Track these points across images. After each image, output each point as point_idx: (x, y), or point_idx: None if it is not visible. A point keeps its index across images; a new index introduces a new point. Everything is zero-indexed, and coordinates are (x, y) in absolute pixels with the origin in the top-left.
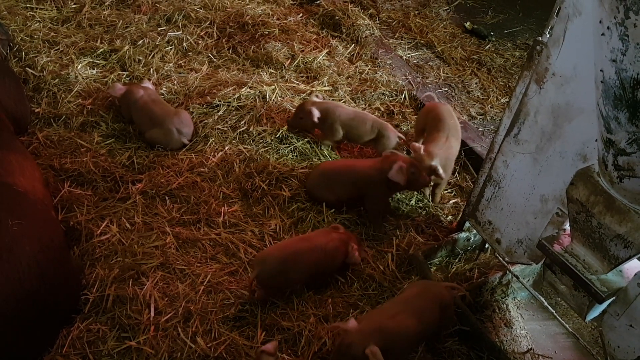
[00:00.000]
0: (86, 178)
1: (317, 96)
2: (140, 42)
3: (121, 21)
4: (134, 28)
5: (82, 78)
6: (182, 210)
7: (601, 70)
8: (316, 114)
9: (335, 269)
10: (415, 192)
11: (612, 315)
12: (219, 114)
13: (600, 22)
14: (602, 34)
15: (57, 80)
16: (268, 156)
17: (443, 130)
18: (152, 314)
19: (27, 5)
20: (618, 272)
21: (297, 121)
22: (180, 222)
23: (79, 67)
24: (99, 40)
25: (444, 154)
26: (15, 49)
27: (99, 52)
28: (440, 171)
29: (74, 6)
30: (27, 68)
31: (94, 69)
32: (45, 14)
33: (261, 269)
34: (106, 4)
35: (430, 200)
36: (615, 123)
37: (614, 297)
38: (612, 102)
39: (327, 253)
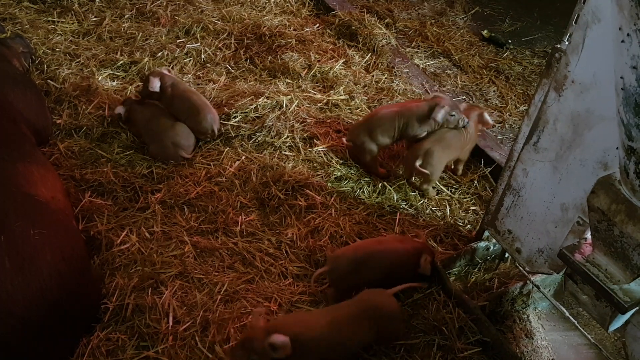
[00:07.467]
0: (106, 188)
1: (168, 70)
2: (159, 54)
3: (141, 34)
4: (153, 40)
5: (103, 90)
6: (200, 219)
7: (621, 78)
8: (156, 83)
9: (406, 277)
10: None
11: (635, 325)
12: (235, 123)
13: (620, 29)
14: (622, 41)
15: (77, 92)
16: (284, 165)
17: None
18: (171, 323)
19: (49, 19)
20: None
21: (143, 90)
22: (198, 231)
23: (100, 79)
24: (119, 53)
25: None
26: (37, 62)
27: (119, 64)
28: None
29: (94, 19)
30: (48, 80)
31: (114, 81)
32: (66, 27)
33: (333, 267)
34: (126, 17)
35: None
36: (637, 130)
37: (637, 307)
38: (633, 110)
39: (398, 259)
